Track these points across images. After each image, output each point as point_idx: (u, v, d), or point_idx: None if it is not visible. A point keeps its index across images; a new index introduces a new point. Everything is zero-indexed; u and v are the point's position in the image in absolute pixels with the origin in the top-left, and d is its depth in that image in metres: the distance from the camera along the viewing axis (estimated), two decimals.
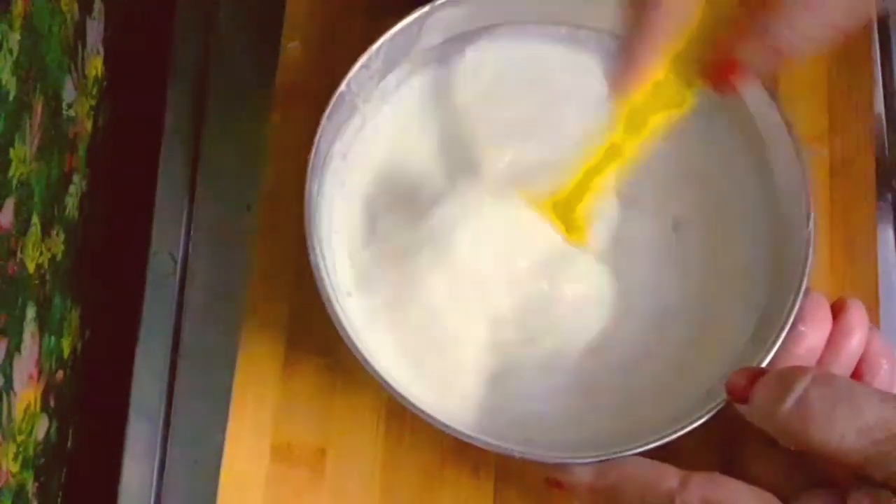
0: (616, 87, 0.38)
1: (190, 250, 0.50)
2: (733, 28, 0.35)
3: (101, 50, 0.54)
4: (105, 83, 0.55)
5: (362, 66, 0.42)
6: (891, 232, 0.50)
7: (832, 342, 0.39)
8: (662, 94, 0.39)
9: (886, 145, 0.51)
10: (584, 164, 0.42)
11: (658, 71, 0.37)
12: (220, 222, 0.51)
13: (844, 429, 0.32)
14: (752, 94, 0.43)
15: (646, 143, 0.40)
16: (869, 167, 0.50)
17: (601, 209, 0.44)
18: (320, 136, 0.41)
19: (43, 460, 0.47)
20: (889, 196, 0.50)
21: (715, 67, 0.36)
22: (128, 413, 0.48)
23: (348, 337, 0.38)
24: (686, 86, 0.38)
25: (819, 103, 0.50)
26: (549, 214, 0.43)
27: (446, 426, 0.38)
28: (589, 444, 0.39)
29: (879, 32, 0.52)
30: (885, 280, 0.48)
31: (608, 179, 0.42)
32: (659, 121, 0.39)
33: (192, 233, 0.51)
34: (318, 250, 0.40)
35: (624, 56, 0.37)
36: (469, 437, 0.38)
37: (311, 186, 0.41)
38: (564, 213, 0.43)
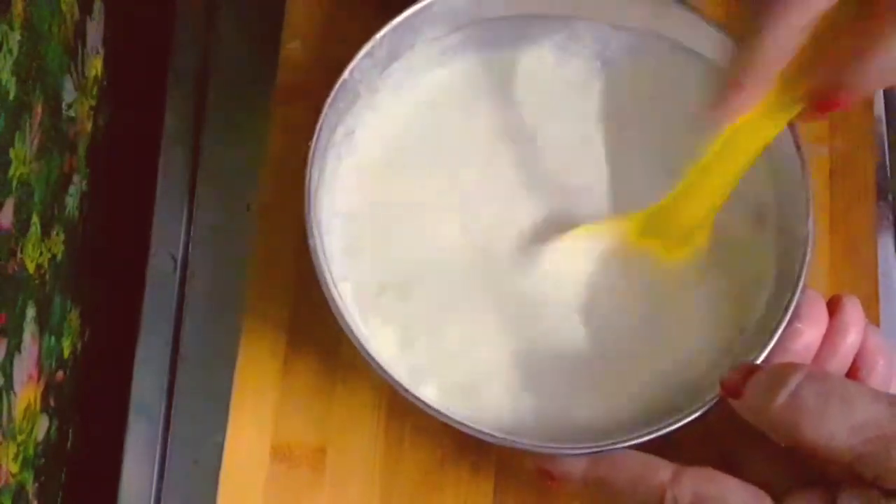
0: (716, 115, 0.38)
1: (190, 250, 0.50)
2: (837, 51, 0.35)
3: (101, 50, 0.54)
4: (105, 83, 0.55)
5: (366, 55, 0.42)
6: (891, 232, 0.50)
7: (828, 339, 0.39)
8: (767, 113, 0.38)
9: (886, 145, 0.51)
10: (682, 183, 0.41)
11: (762, 99, 0.37)
12: (220, 222, 0.51)
13: (836, 426, 0.32)
14: None
15: (744, 162, 0.40)
16: (869, 167, 0.50)
17: (598, 211, 0.44)
18: (322, 123, 0.41)
19: (43, 460, 0.47)
20: (889, 196, 0.50)
21: (817, 97, 0.36)
22: (128, 413, 0.48)
23: (345, 322, 0.38)
24: (785, 109, 0.37)
25: None
26: (636, 235, 0.43)
27: (440, 413, 0.38)
28: (582, 436, 0.39)
29: None
30: (884, 280, 0.48)
31: (718, 197, 0.41)
32: (764, 139, 0.39)
33: (192, 233, 0.51)
34: (317, 236, 0.40)
35: (730, 85, 0.37)
36: (462, 425, 0.38)
37: (312, 171, 0.41)
38: (660, 228, 0.42)
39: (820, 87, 0.36)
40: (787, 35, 0.34)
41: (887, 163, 0.51)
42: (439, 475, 0.46)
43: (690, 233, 0.42)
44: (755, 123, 0.38)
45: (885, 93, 0.52)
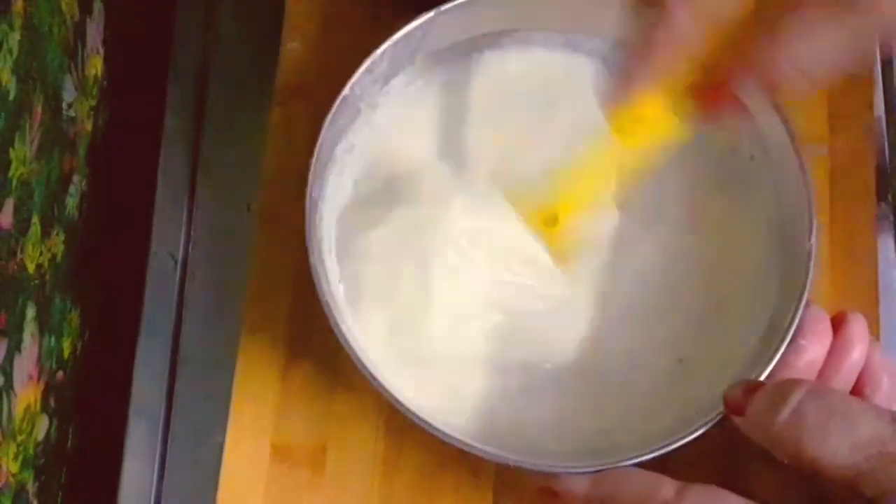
0: (606, 100, 0.38)
1: (190, 250, 0.50)
2: (731, 54, 0.35)
3: (101, 50, 0.54)
4: (105, 83, 0.55)
5: (366, 70, 0.42)
6: (891, 233, 0.50)
7: (832, 356, 0.39)
8: (652, 115, 0.38)
9: (886, 145, 0.51)
10: (574, 173, 0.42)
11: (651, 90, 0.37)
12: (220, 222, 0.51)
13: (838, 443, 0.32)
14: (757, 105, 0.43)
15: (636, 159, 0.40)
16: (869, 168, 0.50)
17: (602, 218, 0.44)
18: (322, 140, 0.41)
19: (43, 460, 0.47)
20: (889, 197, 0.50)
21: (706, 93, 0.36)
22: (128, 413, 0.48)
23: (347, 344, 0.38)
24: (675, 108, 0.38)
25: (819, 104, 0.50)
26: (537, 224, 0.43)
27: (443, 433, 0.38)
28: (585, 454, 0.39)
29: None
30: (885, 281, 0.48)
31: (600, 192, 0.42)
32: (647, 138, 0.39)
33: (192, 233, 0.51)
34: (317, 254, 0.40)
35: (621, 71, 0.37)
36: (465, 444, 0.38)
37: (312, 189, 0.41)
38: (550, 223, 0.43)
39: (708, 89, 0.36)
40: (695, 26, 0.34)
41: (887, 163, 0.51)
42: (439, 475, 0.45)
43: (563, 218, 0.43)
44: (644, 120, 0.38)
45: (885, 93, 0.51)
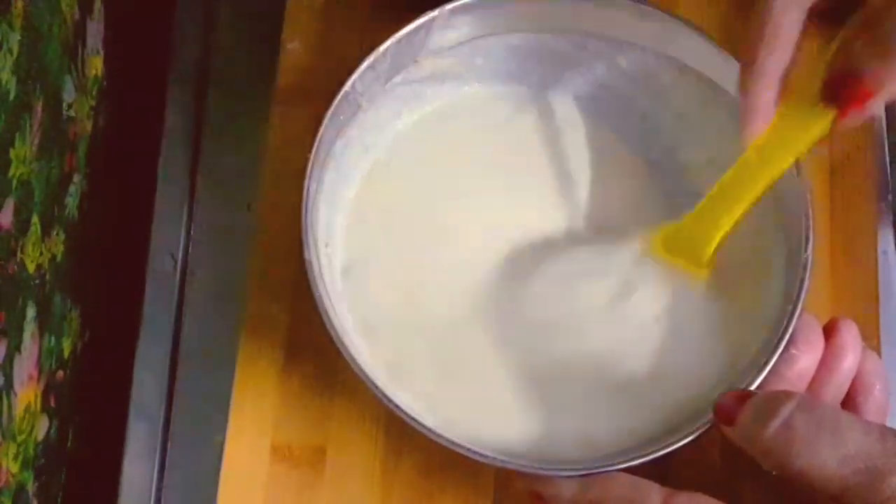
0: (743, 131, 0.37)
1: (190, 250, 0.50)
2: (851, 54, 0.34)
3: (101, 50, 0.54)
4: (105, 83, 0.55)
5: (368, 67, 0.42)
6: (891, 232, 0.50)
7: (824, 364, 0.39)
8: (789, 125, 0.37)
9: (886, 145, 0.51)
10: (710, 194, 0.40)
11: (781, 104, 0.36)
12: (220, 222, 0.51)
13: (826, 456, 0.32)
14: None
15: (777, 175, 0.39)
16: (869, 167, 0.50)
17: (606, 226, 0.44)
18: (322, 135, 0.41)
19: (43, 460, 0.47)
20: (889, 196, 0.50)
21: (836, 85, 0.35)
22: (128, 413, 0.48)
23: (340, 341, 0.38)
24: (812, 112, 0.37)
25: None
26: (661, 251, 0.43)
27: (432, 432, 0.38)
28: (573, 458, 0.39)
29: None
30: (884, 280, 0.48)
31: (742, 212, 0.40)
32: (790, 152, 0.38)
33: (192, 233, 0.51)
34: (313, 249, 0.40)
35: (742, 98, 0.36)
36: (454, 444, 0.38)
37: (311, 184, 0.41)
38: (681, 246, 0.42)
39: (835, 75, 0.35)
40: (794, 19, 0.34)
41: (887, 163, 0.51)
42: (439, 476, 0.45)
43: (709, 251, 0.42)
44: (778, 137, 0.37)
45: None
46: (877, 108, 0.35)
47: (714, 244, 0.41)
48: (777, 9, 0.34)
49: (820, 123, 0.37)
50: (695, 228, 0.41)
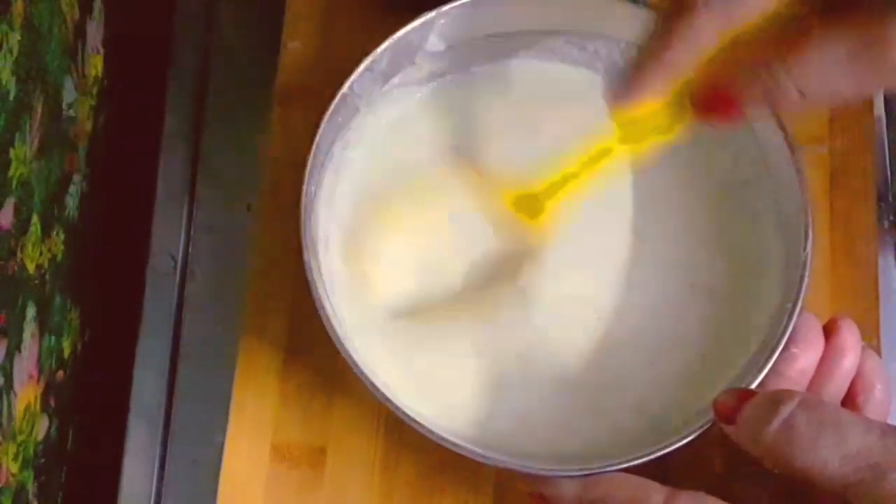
0: (615, 101, 0.37)
1: (190, 250, 0.50)
2: (738, 66, 0.34)
3: (101, 50, 0.54)
4: (105, 83, 0.55)
5: (366, 69, 0.42)
6: (891, 232, 0.50)
7: (824, 364, 0.39)
8: (655, 116, 0.38)
9: (886, 145, 0.51)
10: (565, 165, 0.42)
11: (660, 91, 0.37)
12: (220, 222, 0.51)
13: (828, 455, 0.32)
14: (755, 113, 0.43)
15: (630, 158, 0.40)
16: (869, 168, 0.50)
17: (602, 229, 0.44)
18: (320, 137, 0.41)
19: (43, 460, 0.47)
20: (889, 197, 0.50)
21: (708, 98, 0.36)
22: (128, 413, 0.48)
23: (339, 341, 0.38)
24: (677, 111, 0.37)
25: None
26: (511, 206, 0.44)
27: (432, 432, 0.38)
28: (575, 458, 0.39)
29: None
30: (884, 281, 0.48)
31: (586, 182, 0.42)
32: (649, 140, 0.39)
33: (192, 233, 0.51)
34: (311, 250, 0.40)
35: (633, 73, 0.36)
36: (455, 444, 0.38)
37: (309, 186, 0.41)
38: (530, 207, 0.43)
39: (715, 90, 0.35)
40: (705, 38, 0.34)
41: (887, 163, 0.51)
42: (439, 476, 0.45)
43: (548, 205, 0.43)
44: (646, 122, 0.38)
45: (886, 93, 0.51)
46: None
47: (552, 203, 0.43)
48: (697, 26, 0.34)
49: (683, 122, 0.38)
50: (543, 191, 0.43)
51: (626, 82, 0.37)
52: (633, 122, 0.39)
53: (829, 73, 0.33)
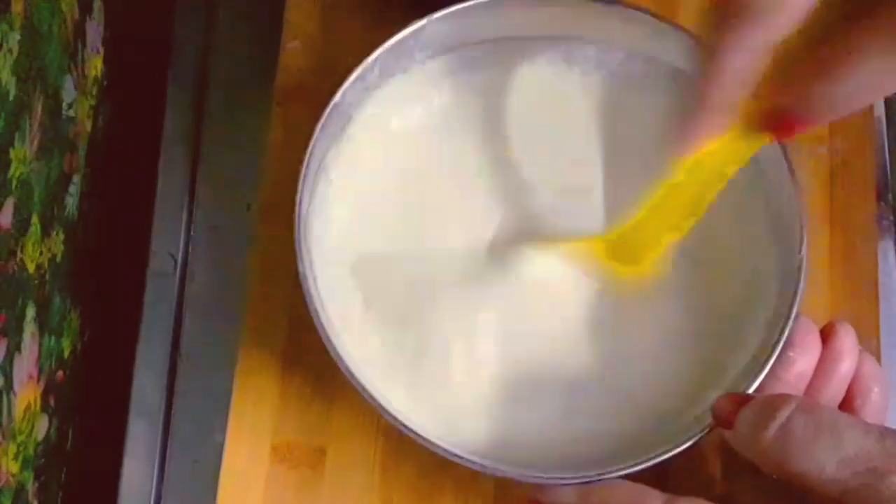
0: (682, 143, 0.37)
1: (190, 250, 0.50)
2: (788, 80, 0.34)
3: (101, 50, 0.54)
4: (105, 83, 0.55)
5: (357, 78, 0.42)
6: (891, 232, 0.50)
7: (822, 368, 0.39)
8: (726, 145, 0.37)
9: (886, 145, 0.51)
10: (644, 208, 0.40)
11: (719, 131, 0.36)
12: (220, 222, 0.51)
13: (825, 459, 0.32)
14: None
15: (712, 188, 0.39)
16: (869, 168, 0.50)
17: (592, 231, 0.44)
18: (313, 146, 0.41)
19: (43, 460, 0.47)
20: (889, 197, 0.50)
21: (770, 118, 0.35)
22: (128, 413, 0.48)
23: (333, 349, 0.38)
24: (747, 135, 0.37)
25: None
26: (600, 254, 0.42)
27: (430, 442, 0.38)
28: (573, 466, 0.39)
29: None
30: (884, 280, 0.48)
31: (679, 229, 0.40)
32: (723, 168, 0.38)
33: (192, 233, 0.51)
34: (306, 260, 0.40)
35: (695, 116, 0.36)
36: (451, 453, 0.38)
37: (303, 195, 0.41)
38: (620, 253, 0.42)
39: (772, 111, 0.35)
40: (743, 61, 0.33)
41: (887, 163, 0.51)
42: (439, 476, 0.45)
43: (647, 257, 0.42)
44: (720, 152, 0.37)
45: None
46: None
47: (649, 259, 0.42)
48: (723, 52, 0.34)
49: (753, 147, 0.37)
50: (629, 242, 0.42)
51: (684, 128, 0.36)
52: (698, 164, 0.38)
53: (874, 72, 0.32)
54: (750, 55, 0.33)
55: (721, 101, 0.35)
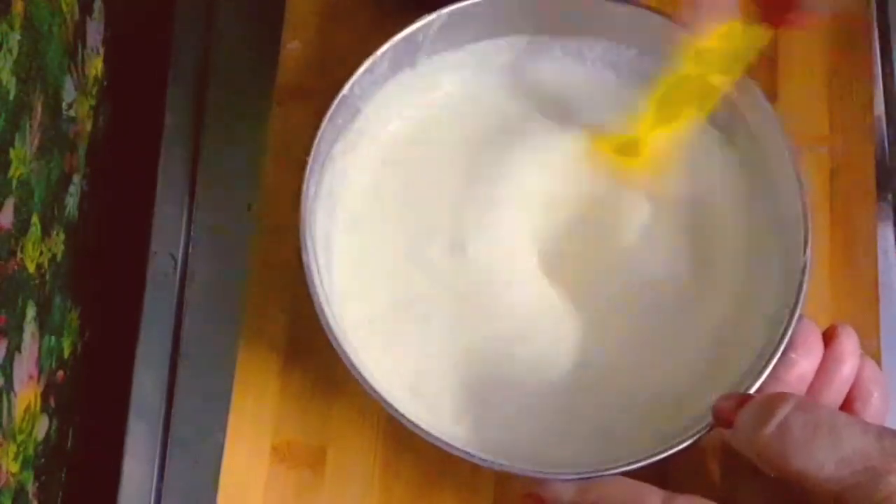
0: (693, 28, 0.37)
1: (190, 250, 0.50)
2: None
3: (101, 50, 0.54)
4: (105, 83, 0.55)
5: (366, 71, 0.42)
6: (891, 232, 0.50)
7: (823, 370, 0.39)
8: (726, 43, 0.38)
9: (886, 145, 0.51)
10: (652, 98, 0.41)
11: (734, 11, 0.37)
12: (220, 222, 0.51)
13: (824, 458, 0.32)
14: (756, 116, 0.43)
15: (717, 83, 0.40)
16: (869, 167, 0.50)
17: (601, 237, 0.44)
18: (320, 138, 0.41)
19: (43, 460, 0.47)
20: (889, 196, 0.50)
21: (771, 4, 0.36)
22: (128, 413, 0.48)
23: (337, 342, 0.38)
24: (747, 27, 0.37)
25: (819, 103, 0.50)
26: (607, 150, 0.43)
27: (429, 434, 0.38)
28: (572, 462, 0.39)
29: (879, 32, 0.52)
30: (885, 280, 0.48)
31: (688, 116, 0.41)
32: (727, 62, 0.39)
33: (192, 233, 0.51)
34: (311, 252, 0.40)
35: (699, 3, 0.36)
36: (451, 447, 0.38)
37: (309, 187, 0.41)
38: (630, 152, 0.43)
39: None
40: None
41: (887, 163, 0.51)
42: (439, 475, 0.45)
43: (651, 147, 0.43)
44: (723, 44, 0.38)
45: (885, 93, 0.51)
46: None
47: (650, 139, 0.43)
48: None
49: (754, 39, 0.38)
50: (637, 129, 0.43)
51: (699, 12, 0.37)
52: (706, 52, 0.38)
53: None
54: None
55: None
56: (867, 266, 0.48)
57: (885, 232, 0.50)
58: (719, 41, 0.38)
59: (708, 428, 0.38)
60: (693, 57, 0.39)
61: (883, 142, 0.51)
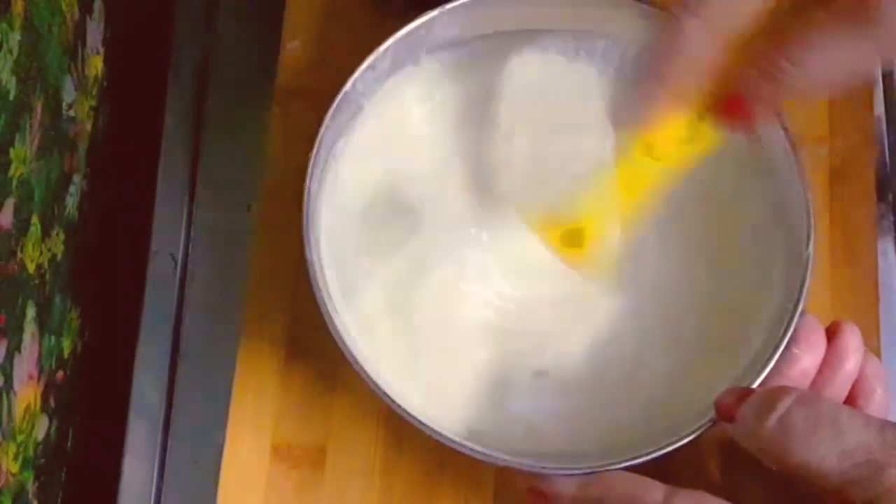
0: (630, 122, 0.37)
1: (190, 250, 0.50)
2: (742, 61, 0.34)
3: (101, 50, 0.54)
4: (105, 83, 0.55)
5: (368, 67, 0.42)
6: (891, 232, 0.50)
7: (826, 366, 0.39)
8: (677, 127, 0.38)
9: (886, 145, 0.51)
10: (598, 189, 0.40)
11: (673, 108, 0.37)
12: (220, 222, 0.51)
13: (826, 450, 0.32)
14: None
15: (666, 173, 0.39)
16: (869, 168, 0.50)
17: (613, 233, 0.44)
18: (322, 135, 0.41)
19: (43, 460, 0.47)
20: (889, 197, 0.50)
21: (722, 102, 0.36)
22: (128, 413, 0.48)
23: (340, 339, 0.38)
24: (699, 120, 0.37)
25: (819, 104, 0.50)
26: (557, 246, 0.42)
27: (433, 430, 0.38)
28: (574, 458, 0.39)
29: None
30: (885, 280, 0.48)
31: (628, 212, 0.41)
32: (677, 153, 0.38)
33: (192, 233, 0.51)
34: (314, 249, 0.40)
35: (640, 92, 0.36)
36: (453, 441, 0.38)
37: (311, 184, 0.41)
38: (574, 244, 0.42)
39: (726, 94, 0.36)
40: (706, 42, 0.34)
41: (887, 163, 0.51)
42: (439, 475, 0.45)
43: (595, 239, 0.42)
44: (675, 136, 0.38)
45: (886, 93, 0.51)
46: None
47: (603, 235, 0.41)
48: (687, 37, 0.34)
49: (706, 129, 0.37)
50: (585, 219, 0.41)
51: (636, 103, 0.37)
52: (659, 140, 0.38)
53: (829, 48, 0.33)
54: (712, 39, 0.34)
55: (677, 80, 0.35)
56: (867, 266, 0.48)
57: (885, 232, 0.50)
58: (669, 132, 0.38)
59: (710, 423, 0.38)
60: (641, 147, 0.38)
61: (883, 142, 0.51)
